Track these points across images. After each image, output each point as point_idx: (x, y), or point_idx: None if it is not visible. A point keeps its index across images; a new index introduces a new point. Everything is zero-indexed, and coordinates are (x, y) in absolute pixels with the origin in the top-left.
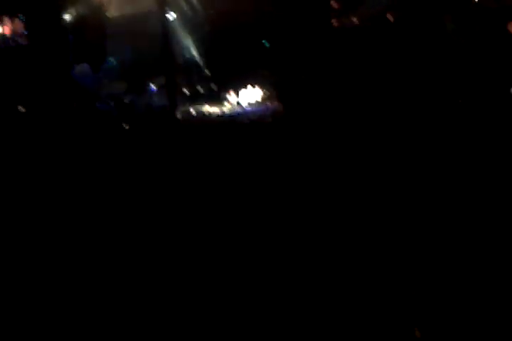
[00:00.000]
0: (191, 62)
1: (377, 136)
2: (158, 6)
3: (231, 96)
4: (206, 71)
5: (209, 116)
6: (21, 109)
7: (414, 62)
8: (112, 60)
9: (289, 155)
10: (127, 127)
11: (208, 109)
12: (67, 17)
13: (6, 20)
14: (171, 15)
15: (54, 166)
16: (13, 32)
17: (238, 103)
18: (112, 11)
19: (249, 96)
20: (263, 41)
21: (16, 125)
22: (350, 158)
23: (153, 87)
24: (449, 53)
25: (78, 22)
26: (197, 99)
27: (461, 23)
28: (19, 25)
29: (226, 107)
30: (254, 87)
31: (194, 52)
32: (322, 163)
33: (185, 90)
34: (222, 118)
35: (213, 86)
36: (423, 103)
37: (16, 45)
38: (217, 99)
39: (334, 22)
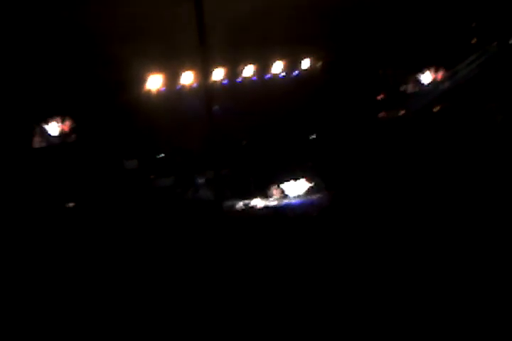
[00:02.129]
0: (237, 155)
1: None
2: (206, 99)
3: (277, 189)
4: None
5: (255, 209)
6: (71, 204)
7: (463, 154)
8: (160, 155)
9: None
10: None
11: (254, 201)
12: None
13: (57, 120)
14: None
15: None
16: (63, 131)
17: (284, 195)
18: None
19: (295, 188)
20: (313, 134)
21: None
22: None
23: (199, 180)
24: (499, 143)
25: (125, 119)
26: (244, 192)
27: (509, 113)
28: (69, 125)
29: (272, 200)
30: (300, 179)
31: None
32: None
33: (232, 183)
34: (267, 210)
35: (260, 179)
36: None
37: (65, 143)
38: (264, 191)
39: (382, 115)
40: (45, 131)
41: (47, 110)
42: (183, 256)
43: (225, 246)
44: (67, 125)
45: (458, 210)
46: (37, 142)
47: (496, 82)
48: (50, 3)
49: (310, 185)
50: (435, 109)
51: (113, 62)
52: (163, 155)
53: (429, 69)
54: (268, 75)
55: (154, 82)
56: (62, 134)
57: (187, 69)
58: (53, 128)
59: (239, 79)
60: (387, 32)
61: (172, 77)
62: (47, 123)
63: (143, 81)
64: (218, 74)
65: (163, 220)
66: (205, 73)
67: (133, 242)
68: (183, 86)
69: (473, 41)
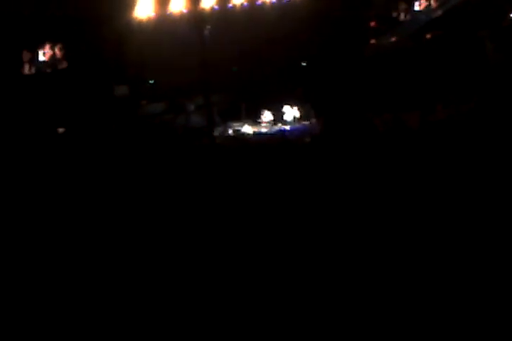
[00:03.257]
0: (228, 82)
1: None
2: (196, 25)
3: (268, 116)
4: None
5: (245, 136)
6: (61, 130)
7: (453, 81)
8: (150, 81)
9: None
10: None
11: (245, 128)
12: (106, 41)
13: (47, 47)
14: (208, 32)
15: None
16: (53, 57)
17: (275, 122)
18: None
19: (287, 115)
20: (303, 62)
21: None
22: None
23: (191, 106)
24: (488, 72)
25: (115, 45)
26: (235, 118)
27: (499, 42)
28: (60, 51)
29: (263, 126)
30: (291, 106)
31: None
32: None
33: (223, 110)
34: (259, 137)
35: (251, 105)
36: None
37: (55, 70)
38: (255, 118)
39: (373, 41)
40: (35, 58)
41: (36, 36)
42: (173, 187)
43: (216, 176)
44: (57, 51)
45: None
46: (27, 68)
47: (488, 10)
48: None
49: (300, 111)
50: (427, 36)
51: None
52: (153, 81)
53: None
54: (259, 2)
55: (143, 7)
56: (53, 60)
57: None
58: (43, 54)
59: (229, 5)
60: None
61: (161, 2)
62: (37, 49)
63: (132, 6)
64: None
65: (154, 148)
66: None
67: (124, 171)
68: (173, 12)
69: None
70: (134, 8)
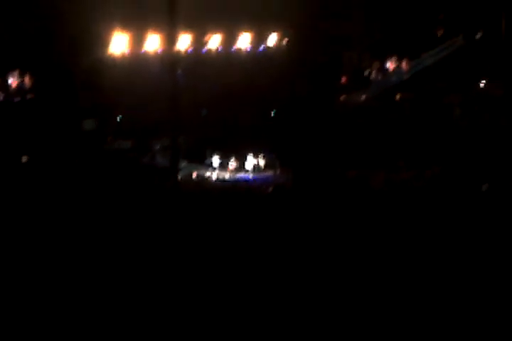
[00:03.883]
0: (196, 125)
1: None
2: (170, 66)
3: (234, 163)
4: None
5: (209, 180)
6: (24, 159)
7: (418, 143)
8: (118, 117)
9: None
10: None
11: (209, 173)
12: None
13: (15, 74)
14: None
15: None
16: (21, 87)
17: (239, 169)
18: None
19: (251, 163)
20: (272, 111)
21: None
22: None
23: (157, 146)
24: (454, 136)
25: (87, 79)
26: (199, 161)
27: (467, 109)
28: (29, 81)
29: (228, 173)
30: (257, 155)
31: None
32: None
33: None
34: (223, 183)
35: (217, 151)
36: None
37: (23, 100)
38: (220, 163)
39: (342, 98)
40: (4, 85)
41: (8, 64)
42: (134, 224)
43: (179, 218)
44: (27, 81)
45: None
46: None
47: (458, 75)
48: None
49: (265, 161)
50: (396, 97)
51: (78, 20)
52: (121, 117)
53: (394, 56)
54: (233, 48)
55: (119, 44)
56: (23, 90)
57: (153, 32)
58: (13, 83)
59: (204, 49)
60: (356, 16)
61: (137, 40)
62: (7, 77)
63: (108, 41)
64: (184, 40)
65: (118, 184)
66: (171, 39)
67: (85, 205)
68: (148, 51)
69: (440, 33)
70: (109, 44)
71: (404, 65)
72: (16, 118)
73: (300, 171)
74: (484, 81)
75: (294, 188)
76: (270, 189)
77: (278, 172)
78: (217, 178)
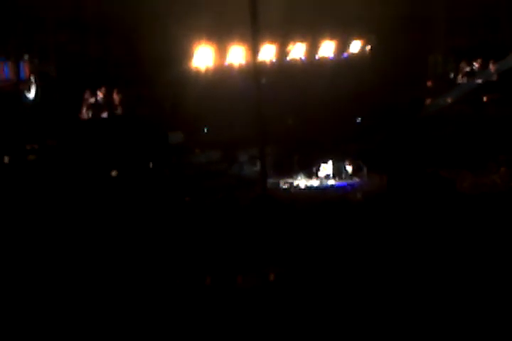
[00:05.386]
0: (283, 134)
1: None
2: (254, 76)
3: (321, 170)
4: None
5: (298, 189)
6: (114, 173)
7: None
8: (205, 129)
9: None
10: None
11: (297, 181)
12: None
13: (103, 91)
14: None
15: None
16: (108, 102)
17: (327, 176)
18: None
19: (339, 170)
20: (358, 118)
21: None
22: None
23: (244, 157)
24: None
25: (172, 92)
26: (287, 170)
27: None
28: (116, 96)
29: (315, 180)
30: (343, 161)
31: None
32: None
33: (276, 161)
34: (311, 191)
35: (303, 158)
36: None
37: (112, 115)
38: (308, 171)
39: (429, 101)
40: (92, 103)
41: (95, 81)
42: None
43: (268, 225)
44: (115, 97)
45: None
46: (85, 113)
47: None
48: None
49: (353, 167)
50: (483, 99)
51: (162, 35)
52: (207, 129)
53: (479, 58)
54: (317, 56)
55: (202, 57)
56: (111, 105)
57: (236, 45)
58: (100, 99)
59: (287, 59)
60: (438, 19)
61: (220, 52)
62: (95, 94)
63: (191, 55)
64: (267, 51)
65: (206, 196)
66: (254, 50)
67: (175, 213)
68: (232, 63)
69: None
70: (192, 57)
71: (490, 66)
72: (104, 133)
73: (395, 176)
74: None
75: (389, 193)
76: (358, 196)
77: (366, 178)
78: (306, 186)
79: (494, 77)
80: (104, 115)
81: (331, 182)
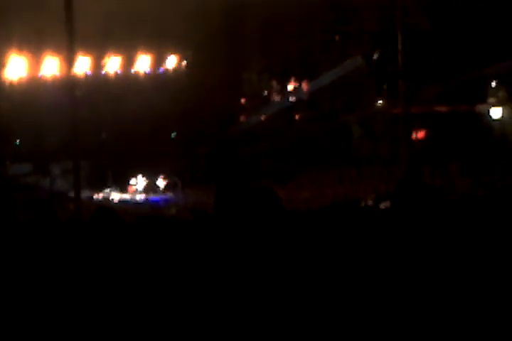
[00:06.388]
0: (97, 147)
1: None
2: (68, 89)
3: (135, 183)
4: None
5: (112, 202)
6: None
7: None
8: (16, 141)
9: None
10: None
11: (112, 194)
12: None
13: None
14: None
15: None
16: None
17: (141, 190)
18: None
19: (152, 184)
20: (172, 133)
21: None
22: None
23: (57, 170)
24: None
25: None
26: (101, 184)
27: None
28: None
29: (129, 194)
30: (156, 175)
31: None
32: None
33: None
34: (126, 204)
35: (117, 172)
36: None
37: None
38: (121, 185)
39: (242, 118)
40: None
41: None
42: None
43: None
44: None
45: None
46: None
47: (354, 95)
48: None
49: (167, 181)
50: (296, 117)
51: None
52: (19, 141)
53: (292, 77)
54: (133, 70)
55: (15, 67)
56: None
57: (50, 56)
58: None
59: (103, 72)
60: (253, 37)
61: (35, 63)
62: None
63: (3, 65)
64: (82, 63)
65: (16, 209)
66: (69, 62)
67: None
68: (46, 74)
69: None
70: (4, 67)
71: (303, 85)
72: None
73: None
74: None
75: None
76: (172, 211)
77: (180, 193)
78: (120, 199)
79: (306, 96)
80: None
81: (144, 196)
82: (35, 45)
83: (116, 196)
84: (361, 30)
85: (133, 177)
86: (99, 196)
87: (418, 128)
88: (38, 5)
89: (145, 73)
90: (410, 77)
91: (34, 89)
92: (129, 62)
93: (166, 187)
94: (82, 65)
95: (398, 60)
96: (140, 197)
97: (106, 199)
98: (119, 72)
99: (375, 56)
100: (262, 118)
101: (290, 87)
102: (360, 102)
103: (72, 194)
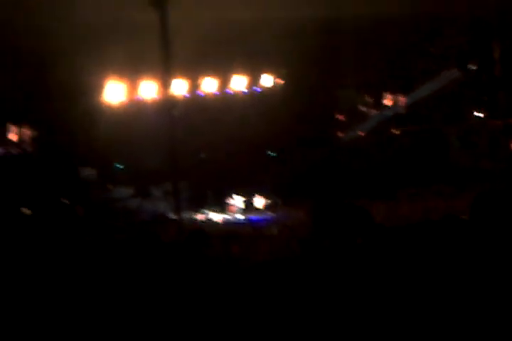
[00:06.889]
0: (196, 169)
1: None
2: (167, 112)
3: (234, 203)
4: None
5: (213, 222)
6: (26, 211)
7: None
8: (118, 165)
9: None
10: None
11: (212, 215)
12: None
13: (14, 128)
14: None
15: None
16: (20, 139)
17: (241, 210)
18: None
19: (253, 203)
20: (270, 152)
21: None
22: None
23: (158, 192)
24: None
25: (83, 128)
26: (201, 204)
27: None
28: (26, 133)
29: (228, 214)
30: (256, 194)
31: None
32: None
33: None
34: (226, 225)
35: (217, 192)
36: None
37: (23, 152)
38: (221, 205)
39: (340, 135)
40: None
41: (5, 117)
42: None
43: (186, 261)
44: (25, 133)
45: None
46: None
47: (452, 107)
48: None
49: (267, 201)
50: (393, 132)
51: (73, 68)
52: (121, 165)
53: (389, 92)
54: (230, 90)
55: (114, 91)
56: (21, 142)
57: (148, 79)
58: (12, 136)
59: (200, 93)
60: (348, 55)
61: (132, 87)
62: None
63: (102, 89)
64: (179, 85)
65: (122, 230)
66: (166, 84)
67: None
68: (143, 96)
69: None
70: (104, 90)
71: (400, 98)
72: (18, 170)
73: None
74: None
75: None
76: (274, 231)
77: (281, 212)
78: (221, 220)
79: (403, 110)
80: (14, 151)
81: (245, 216)
82: (133, 69)
83: (217, 216)
84: (458, 41)
85: (232, 196)
86: (201, 217)
87: None
88: (136, 32)
89: (241, 92)
90: (510, 87)
91: (133, 112)
92: (224, 82)
93: (267, 206)
94: (179, 87)
95: (496, 70)
96: (240, 216)
97: (209, 220)
98: (215, 92)
99: (473, 67)
100: (360, 133)
101: (387, 102)
102: (458, 114)
103: (173, 215)
